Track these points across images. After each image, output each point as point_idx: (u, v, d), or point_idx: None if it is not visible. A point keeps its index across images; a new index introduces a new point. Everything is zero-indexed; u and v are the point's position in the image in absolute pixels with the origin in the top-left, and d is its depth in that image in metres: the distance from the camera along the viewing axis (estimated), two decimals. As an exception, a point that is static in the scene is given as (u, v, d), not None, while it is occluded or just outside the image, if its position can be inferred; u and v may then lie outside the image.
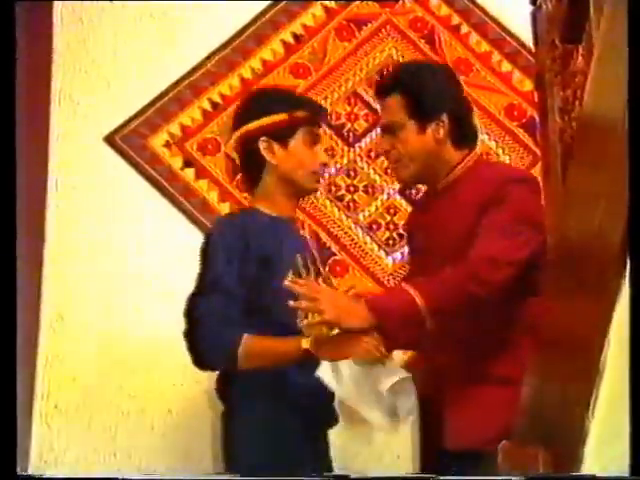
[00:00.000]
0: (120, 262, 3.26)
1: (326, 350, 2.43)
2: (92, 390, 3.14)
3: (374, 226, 3.38)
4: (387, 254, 3.35)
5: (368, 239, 3.37)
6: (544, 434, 1.46)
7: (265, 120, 2.68)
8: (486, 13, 3.56)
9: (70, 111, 3.37)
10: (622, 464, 1.25)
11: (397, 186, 3.34)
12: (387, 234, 3.36)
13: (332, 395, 2.54)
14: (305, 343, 2.43)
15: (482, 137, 3.35)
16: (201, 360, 2.55)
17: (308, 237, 2.94)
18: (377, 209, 3.39)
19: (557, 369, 1.51)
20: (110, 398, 3.13)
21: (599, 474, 1.26)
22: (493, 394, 2.46)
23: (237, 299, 2.53)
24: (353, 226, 3.37)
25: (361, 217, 3.38)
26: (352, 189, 3.40)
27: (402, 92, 2.60)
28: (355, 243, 3.37)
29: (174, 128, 3.39)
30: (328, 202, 3.37)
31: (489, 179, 2.53)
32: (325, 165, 2.80)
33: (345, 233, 3.36)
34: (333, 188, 3.39)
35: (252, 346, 2.48)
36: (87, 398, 3.13)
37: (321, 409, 2.60)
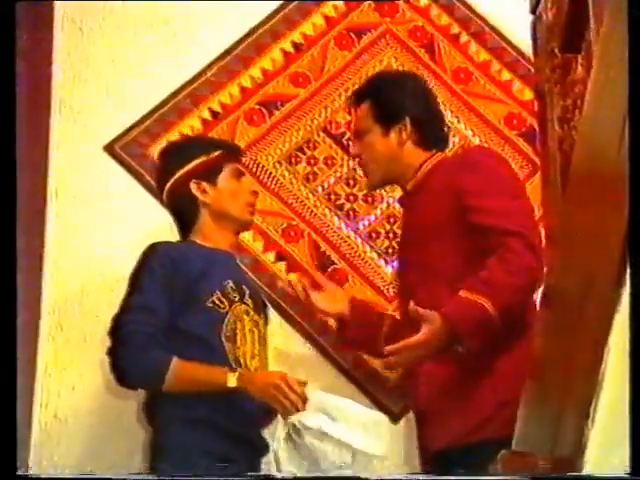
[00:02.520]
0: (120, 271, 3.25)
1: (252, 386, 2.55)
2: (92, 399, 3.13)
3: (373, 235, 3.37)
4: (387, 263, 3.34)
5: (368, 248, 3.37)
6: (543, 443, 1.46)
7: (189, 166, 2.86)
8: (486, 22, 3.57)
9: (70, 120, 3.37)
10: (622, 471, 1.25)
11: (397, 195, 3.35)
12: (387, 243, 3.36)
13: (262, 423, 2.61)
14: (232, 381, 2.53)
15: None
16: (125, 378, 2.64)
17: (245, 268, 3.07)
18: (377, 218, 3.39)
19: (556, 377, 1.51)
20: (110, 407, 3.13)
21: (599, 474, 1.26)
22: (468, 385, 2.49)
23: (162, 321, 2.63)
24: (352, 235, 3.37)
25: (361, 226, 3.38)
26: (352, 198, 3.40)
27: (371, 99, 2.79)
28: (355, 252, 3.36)
29: (174, 137, 3.39)
30: (327, 211, 3.37)
31: (454, 162, 2.73)
32: (255, 193, 2.95)
33: (344, 242, 3.36)
34: (333, 197, 3.38)
35: (182, 371, 2.57)
36: (87, 407, 3.13)
37: (253, 437, 2.63)
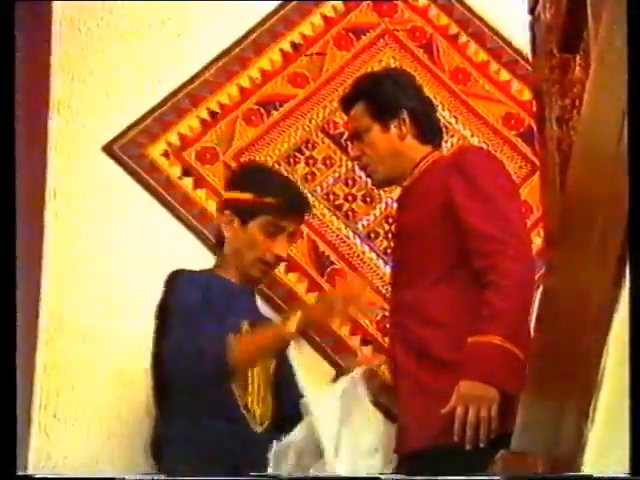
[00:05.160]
0: (119, 271, 3.25)
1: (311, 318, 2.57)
2: (91, 399, 3.13)
3: (372, 235, 3.37)
4: (385, 263, 3.34)
5: (367, 248, 3.37)
6: (542, 444, 1.46)
7: (231, 194, 2.89)
8: (484, 23, 3.57)
9: (68, 120, 3.37)
10: (621, 471, 1.25)
11: (395, 195, 3.35)
12: (385, 243, 3.36)
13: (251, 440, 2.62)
14: (290, 326, 2.51)
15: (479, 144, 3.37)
16: (185, 375, 2.57)
17: (259, 305, 3.00)
18: (375, 218, 3.39)
19: (555, 380, 1.51)
20: (109, 407, 3.13)
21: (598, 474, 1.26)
22: (434, 383, 2.50)
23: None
24: (351, 235, 3.37)
25: (359, 226, 3.38)
26: (350, 198, 3.40)
27: (364, 99, 2.79)
28: (353, 252, 3.36)
29: (172, 137, 3.39)
30: (327, 211, 3.37)
31: (448, 161, 2.70)
32: (279, 259, 2.87)
33: (343, 242, 3.36)
34: (331, 197, 3.38)
35: (241, 343, 2.53)
36: (86, 407, 3.13)
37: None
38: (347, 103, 2.88)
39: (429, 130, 2.80)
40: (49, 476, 2.66)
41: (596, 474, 1.26)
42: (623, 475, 1.24)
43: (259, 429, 2.69)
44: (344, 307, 2.62)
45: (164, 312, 2.72)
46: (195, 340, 2.54)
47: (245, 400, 2.66)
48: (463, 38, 3.57)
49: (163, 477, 2.45)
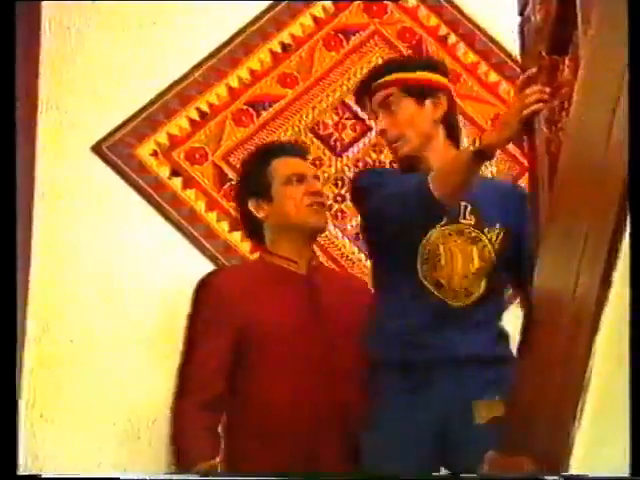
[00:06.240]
0: (107, 271, 3.25)
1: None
2: (78, 399, 3.13)
3: (361, 236, 3.37)
4: (374, 264, 3.34)
5: (355, 249, 3.37)
6: (529, 443, 1.46)
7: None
8: (474, 24, 3.58)
9: (57, 120, 3.36)
10: (609, 470, 1.25)
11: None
12: (374, 244, 3.36)
13: None
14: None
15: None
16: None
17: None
18: (364, 219, 3.38)
19: (543, 381, 1.51)
20: (96, 407, 3.12)
21: (600, 474, 1.27)
22: None
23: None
24: (340, 235, 3.37)
25: (348, 227, 3.38)
26: (339, 199, 3.40)
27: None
28: (342, 253, 3.36)
29: (161, 137, 3.39)
30: (315, 212, 3.37)
31: None
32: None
33: (332, 242, 3.36)
34: (320, 197, 3.38)
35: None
36: (73, 407, 3.12)
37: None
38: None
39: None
40: (50, 476, 2.65)
41: (591, 474, 1.26)
42: (623, 475, 1.24)
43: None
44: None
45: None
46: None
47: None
48: (452, 39, 3.57)
49: (162, 477, 2.44)
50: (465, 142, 2.70)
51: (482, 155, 2.27)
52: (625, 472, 1.23)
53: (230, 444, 2.63)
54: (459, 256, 2.52)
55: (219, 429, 2.62)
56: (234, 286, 2.71)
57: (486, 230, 2.55)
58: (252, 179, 2.82)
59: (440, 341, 2.43)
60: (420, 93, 2.56)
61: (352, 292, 2.83)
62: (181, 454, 2.59)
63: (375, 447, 2.46)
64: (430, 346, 2.43)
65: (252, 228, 2.87)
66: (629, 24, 1.30)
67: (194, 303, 2.72)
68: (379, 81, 2.59)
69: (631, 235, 1.25)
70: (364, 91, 2.65)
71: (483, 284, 2.51)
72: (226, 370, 2.62)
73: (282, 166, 2.80)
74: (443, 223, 2.50)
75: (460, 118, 2.87)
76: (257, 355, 2.63)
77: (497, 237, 2.54)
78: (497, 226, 2.54)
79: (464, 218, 2.54)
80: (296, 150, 2.94)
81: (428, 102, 2.56)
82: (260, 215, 2.79)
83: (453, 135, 2.61)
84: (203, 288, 2.73)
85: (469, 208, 2.54)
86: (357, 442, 2.50)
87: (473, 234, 2.53)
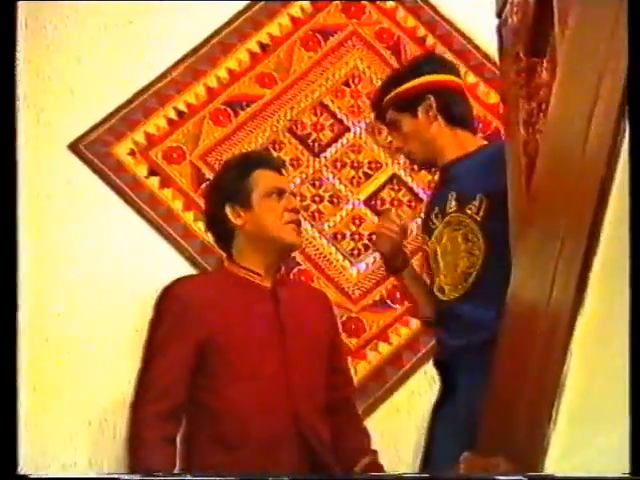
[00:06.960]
0: (84, 271, 3.24)
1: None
2: (53, 398, 3.11)
3: (339, 236, 3.38)
4: (352, 264, 3.35)
5: (333, 249, 3.37)
6: (505, 445, 1.47)
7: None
8: (452, 25, 3.59)
9: (34, 118, 3.35)
10: (584, 472, 1.26)
11: (362, 197, 3.35)
12: (352, 244, 3.37)
13: None
14: None
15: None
16: None
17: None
18: (342, 219, 3.39)
19: (519, 382, 1.51)
20: (71, 407, 3.11)
21: (601, 474, 1.27)
22: None
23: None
24: (318, 236, 3.38)
25: (326, 227, 3.39)
26: (317, 199, 3.40)
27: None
28: (320, 253, 3.37)
29: (139, 136, 3.38)
30: (293, 212, 3.37)
31: None
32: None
33: (310, 243, 3.36)
34: (298, 198, 3.38)
35: None
36: (48, 406, 3.11)
37: None
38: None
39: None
40: (50, 476, 2.63)
41: (586, 474, 1.26)
42: (623, 475, 1.24)
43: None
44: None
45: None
46: None
47: None
48: (430, 41, 3.58)
49: (161, 476, 2.42)
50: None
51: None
52: (611, 472, 1.24)
53: (189, 453, 2.62)
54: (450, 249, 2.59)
55: (177, 439, 2.60)
56: (198, 296, 2.68)
57: (467, 208, 2.57)
58: (232, 184, 2.77)
59: None
60: (410, 106, 2.68)
61: (315, 305, 2.85)
62: (137, 462, 2.56)
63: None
64: None
65: (221, 233, 2.82)
66: (629, 24, 1.31)
67: (157, 311, 2.69)
68: (382, 103, 2.75)
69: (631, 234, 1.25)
70: (380, 116, 2.81)
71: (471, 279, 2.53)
72: (187, 380, 2.59)
73: (263, 178, 2.77)
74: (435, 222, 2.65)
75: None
76: (220, 365, 2.61)
77: (478, 209, 2.56)
78: (477, 196, 2.55)
79: (450, 207, 2.60)
80: (276, 164, 2.91)
81: (420, 110, 2.67)
82: (237, 221, 2.74)
83: (454, 117, 2.70)
84: (167, 297, 2.70)
85: (454, 195, 2.60)
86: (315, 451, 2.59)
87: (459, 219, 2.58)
